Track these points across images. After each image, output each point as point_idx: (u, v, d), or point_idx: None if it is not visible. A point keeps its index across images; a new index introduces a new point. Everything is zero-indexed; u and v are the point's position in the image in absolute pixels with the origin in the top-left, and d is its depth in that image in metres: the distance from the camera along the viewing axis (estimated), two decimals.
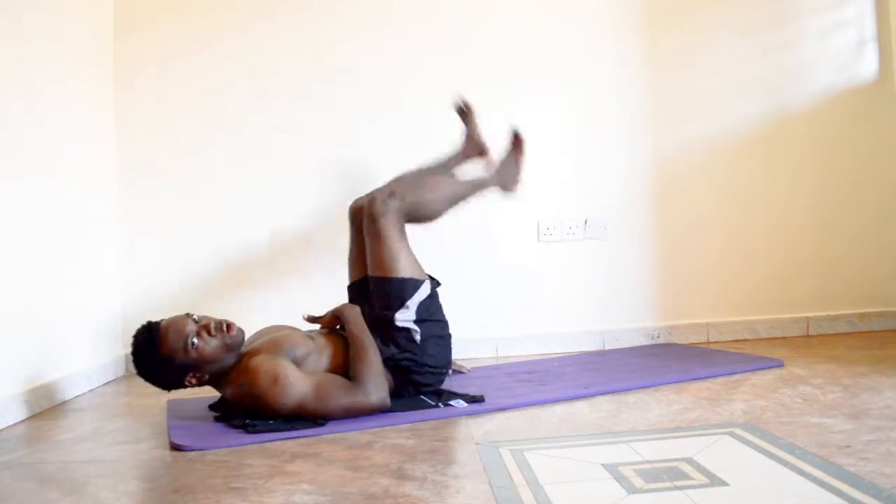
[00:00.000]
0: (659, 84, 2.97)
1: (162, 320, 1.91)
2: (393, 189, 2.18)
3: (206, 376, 1.90)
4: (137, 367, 1.91)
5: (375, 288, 2.13)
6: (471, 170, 2.56)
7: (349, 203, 2.33)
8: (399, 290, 2.08)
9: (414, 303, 2.08)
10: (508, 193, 2.53)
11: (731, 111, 2.98)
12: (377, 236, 2.11)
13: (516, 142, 2.54)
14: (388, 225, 2.10)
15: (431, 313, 2.11)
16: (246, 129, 2.87)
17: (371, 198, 2.16)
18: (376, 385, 1.91)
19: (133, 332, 1.91)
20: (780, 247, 2.99)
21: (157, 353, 1.85)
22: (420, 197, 2.21)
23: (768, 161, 2.99)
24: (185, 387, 1.92)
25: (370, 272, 2.14)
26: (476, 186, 2.42)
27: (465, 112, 2.59)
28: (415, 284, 2.09)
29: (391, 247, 2.10)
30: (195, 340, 1.84)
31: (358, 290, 2.25)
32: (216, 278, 2.83)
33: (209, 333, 1.86)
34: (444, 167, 2.53)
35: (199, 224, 2.85)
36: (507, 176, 2.51)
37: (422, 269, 2.16)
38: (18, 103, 2.17)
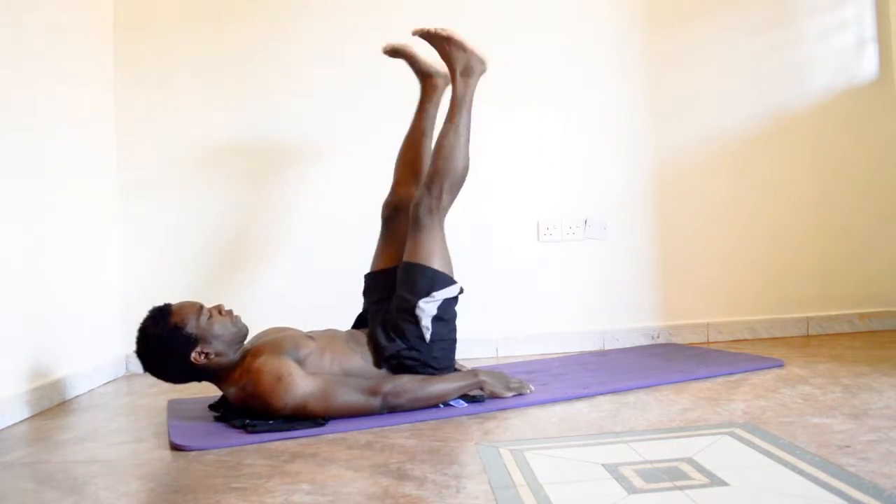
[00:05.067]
0: (659, 84, 2.97)
1: None
2: (428, 185, 2.16)
3: (213, 355, 1.88)
4: (144, 344, 1.89)
5: (406, 272, 2.13)
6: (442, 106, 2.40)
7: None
8: (430, 279, 2.10)
9: (441, 296, 2.09)
10: (483, 73, 2.27)
11: (731, 111, 2.98)
12: (421, 233, 2.13)
13: (435, 38, 2.24)
14: (434, 225, 2.14)
15: (448, 314, 2.13)
16: (248, 130, 2.87)
17: (417, 200, 2.16)
18: (393, 402, 1.92)
19: (136, 331, 1.92)
20: (780, 247, 2.99)
21: (167, 322, 1.88)
22: (448, 169, 2.16)
23: (768, 161, 2.99)
24: (191, 373, 1.90)
25: (406, 258, 2.15)
26: (466, 103, 2.23)
27: (396, 51, 2.41)
28: (446, 280, 2.12)
29: (433, 242, 2.14)
30: (206, 312, 1.91)
31: (380, 279, 2.26)
32: (217, 280, 2.83)
33: (220, 313, 1.94)
34: (429, 124, 2.41)
35: (199, 225, 2.85)
36: (469, 66, 2.23)
37: (453, 274, 2.17)
38: (19, 105, 2.17)
